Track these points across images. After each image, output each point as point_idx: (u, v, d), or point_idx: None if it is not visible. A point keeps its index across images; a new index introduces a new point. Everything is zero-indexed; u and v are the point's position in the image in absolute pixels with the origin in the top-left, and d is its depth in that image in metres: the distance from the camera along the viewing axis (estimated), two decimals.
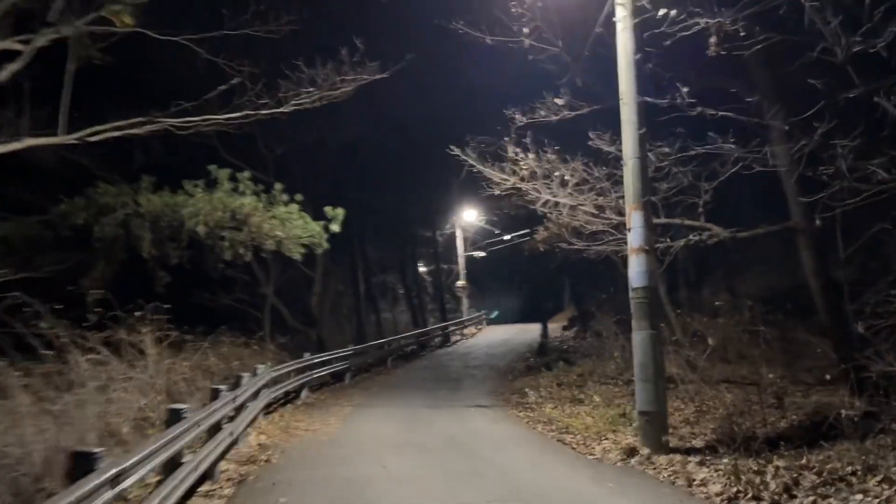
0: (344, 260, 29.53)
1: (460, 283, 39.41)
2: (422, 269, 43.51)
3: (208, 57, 11.75)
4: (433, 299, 43.36)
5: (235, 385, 9.71)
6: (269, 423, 11.59)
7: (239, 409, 9.25)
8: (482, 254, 42.43)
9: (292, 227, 11.54)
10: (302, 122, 20.15)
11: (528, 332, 34.83)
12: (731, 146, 9.91)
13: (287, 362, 14.99)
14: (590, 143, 10.81)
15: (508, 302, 53.19)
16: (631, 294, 9.21)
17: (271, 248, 12.12)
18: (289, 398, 15.13)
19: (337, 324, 29.97)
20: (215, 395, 7.62)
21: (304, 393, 15.47)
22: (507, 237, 42.25)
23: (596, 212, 11.67)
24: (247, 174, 11.91)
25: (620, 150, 10.51)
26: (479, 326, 39.76)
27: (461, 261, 39.98)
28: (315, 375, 16.12)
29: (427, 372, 21.15)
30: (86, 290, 12.65)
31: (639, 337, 9.04)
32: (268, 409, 13.08)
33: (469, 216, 40.63)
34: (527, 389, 15.36)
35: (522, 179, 11.38)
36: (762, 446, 8.05)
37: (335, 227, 11.68)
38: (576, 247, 12.34)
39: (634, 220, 9.18)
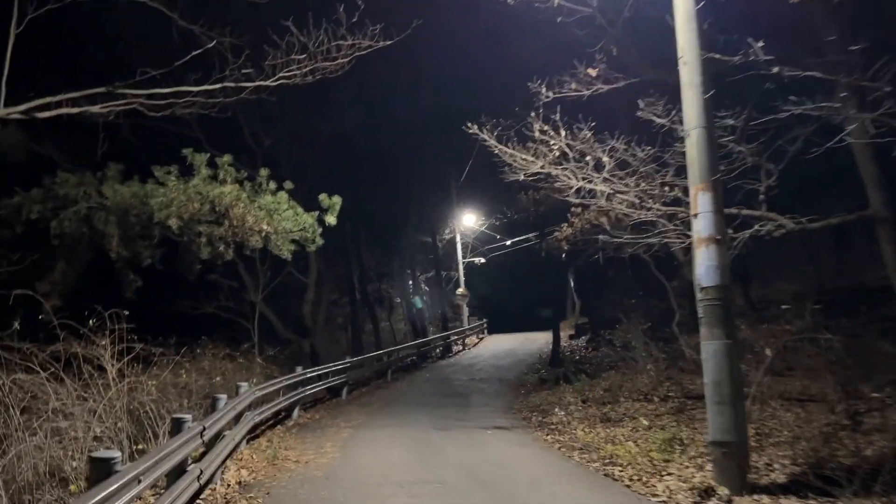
0: (339, 266, 27.77)
1: (460, 290, 37.66)
2: (419, 276, 41.74)
3: (184, 25, 10.04)
4: (432, 307, 41.59)
5: (212, 407, 7.92)
6: (253, 452, 9.77)
7: (215, 438, 7.46)
8: (482, 260, 40.72)
9: (281, 219, 9.78)
10: (292, 108, 18.53)
11: (533, 342, 33.17)
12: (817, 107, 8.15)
13: (277, 378, 13.19)
14: (639, 112, 9.08)
15: (509, 310, 51.32)
16: (699, 295, 7.47)
17: (257, 246, 10.35)
18: (279, 418, 13.32)
19: (331, 334, 28.15)
20: (177, 427, 5.84)
21: (296, 412, 13.66)
22: (508, 242, 40.70)
23: (637, 200, 9.94)
24: (227, 158, 10.13)
25: (675, 122, 8.82)
26: (481, 336, 37.99)
27: (461, 267, 38.22)
28: (309, 392, 14.30)
29: (431, 386, 19.34)
30: (42, 296, 10.85)
31: (711, 348, 7.30)
32: (253, 434, 11.27)
33: (469, 221, 38.97)
34: (552, 407, 13.61)
35: (553, 162, 9.64)
36: (867, 483, 6.37)
37: (331, 219, 9.89)
38: (621, 240, 10.58)
39: (702, 203, 7.46)
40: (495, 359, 26.11)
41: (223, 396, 7.93)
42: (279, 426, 12.82)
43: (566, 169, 9.82)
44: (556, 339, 22.98)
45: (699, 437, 9.85)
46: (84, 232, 11.23)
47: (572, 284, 45.10)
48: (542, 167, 9.64)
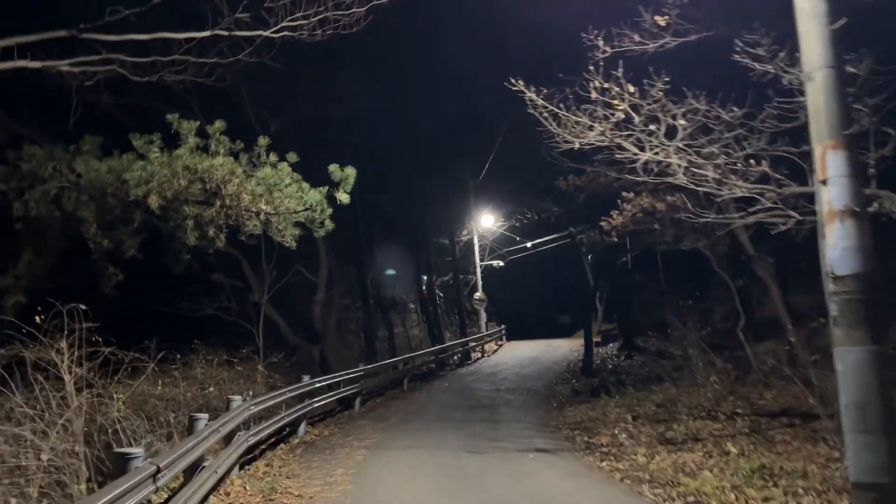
0: (351, 268, 26.06)
1: (478, 294, 35.80)
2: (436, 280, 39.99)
3: None
4: (448, 312, 39.80)
5: (189, 429, 6.16)
6: (247, 481, 7.99)
7: (192, 470, 5.71)
8: (501, 263, 38.88)
9: (282, 196, 8.03)
10: (300, 91, 16.89)
11: (556, 349, 31.31)
12: None
13: (280, 388, 11.42)
14: (736, 56, 7.23)
15: (526, 316, 49.27)
16: (830, 287, 5.61)
17: (255, 231, 8.62)
18: (282, 435, 11.56)
19: (343, 340, 26.41)
20: (122, 466, 4.08)
21: (302, 427, 11.89)
22: (529, 244, 38.83)
23: (717, 176, 8.10)
24: (220, 125, 8.39)
25: (780, 68, 6.99)
26: (500, 342, 36.11)
27: (478, 270, 36.37)
28: (317, 404, 12.54)
29: (452, 397, 17.52)
30: (3, 291, 9.18)
31: (851, 357, 5.43)
32: (250, 455, 9.51)
33: (487, 222, 37.13)
34: (596, 425, 11.79)
35: (614, 128, 7.84)
36: None
37: (343, 197, 8.10)
38: (708, 218, 8.71)
39: (832, 164, 5.62)
40: (519, 367, 24.25)
41: (203, 416, 6.16)
42: (282, 444, 11.06)
43: (631, 136, 7.99)
44: (589, 346, 21.09)
45: (790, 466, 8.03)
46: (56, 216, 9.53)
47: (591, 290, 43.04)
48: (602, 133, 7.82)
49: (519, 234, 38.47)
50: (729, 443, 9.00)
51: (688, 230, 11.47)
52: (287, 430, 11.79)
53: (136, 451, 4.23)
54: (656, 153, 7.86)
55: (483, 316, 36.07)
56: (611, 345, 27.92)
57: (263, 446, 10.57)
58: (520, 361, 26.15)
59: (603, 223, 11.33)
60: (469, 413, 14.39)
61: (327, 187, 8.02)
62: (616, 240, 11.21)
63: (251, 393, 10.40)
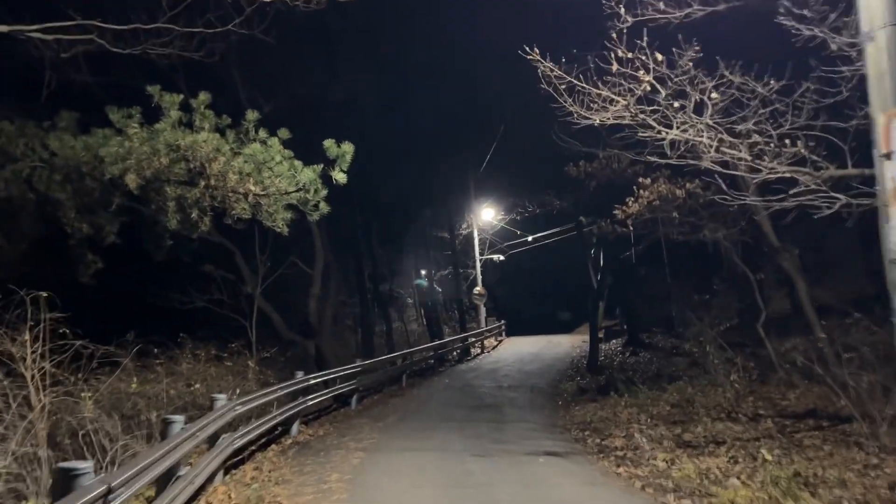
0: (348, 262, 25.34)
1: (477, 289, 35.08)
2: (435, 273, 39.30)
3: None
4: (447, 307, 39.09)
5: (163, 434, 5.45)
6: (232, 488, 7.27)
7: (165, 479, 5.00)
8: (501, 257, 38.17)
9: (273, 175, 7.27)
10: (295, 73, 16.13)
11: (557, 345, 30.64)
12: None
13: (272, 385, 10.71)
14: (780, 17, 6.50)
15: (525, 311, 48.50)
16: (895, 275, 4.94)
17: (243, 215, 7.88)
18: (274, 435, 10.86)
19: (340, 335, 25.71)
20: (65, 486, 3.36)
21: (295, 427, 11.18)
22: (530, 238, 38.12)
23: (749, 157, 7.38)
24: (204, 97, 7.63)
25: (829, 32, 6.28)
26: (499, 338, 35.41)
27: (478, 265, 35.64)
28: (311, 402, 11.83)
29: (453, 394, 16.82)
30: None
31: None
32: (238, 457, 8.80)
33: (487, 215, 36.38)
34: (607, 425, 11.10)
35: (643, 98, 7.11)
36: None
37: (339, 176, 7.33)
38: (745, 201, 7.99)
39: None
40: (520, 363, 23.56)
41: (178, 419, 5.44)
42: (273, 445, 10.34)
43: (656, 112, 7.27)
44: (594, 343, 20.39)
45: (826, 474, 7.34)
46: (29, 197, 8.78)
47: (596, 284, 42.34)
48: (626, 107, 7.08)
49: (519, 228, 37.78)
50: (759, 448, 8.28)
51: (706, 219, 10.77)
52: (279, 429, 11.09)
53: (83, 466, 3.49)
54: (684, 130, 7.13)
55: (482, 311, 35.37)
56: (614, 341, 27.25)
57: (253, 447, 9.87)
58: (521, 358, 25.46)
59: (616, 211, 10.62)
60: (472, 412, 13.70)
61: (322, 165, 7.27)
62: (631, 229, 10.47)
63: (238, 391, 9.70)
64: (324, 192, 7.48)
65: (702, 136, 7.12)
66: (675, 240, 11.40)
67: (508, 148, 29.38)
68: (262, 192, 7.37)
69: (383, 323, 31.10)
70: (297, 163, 7.37)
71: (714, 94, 6.97)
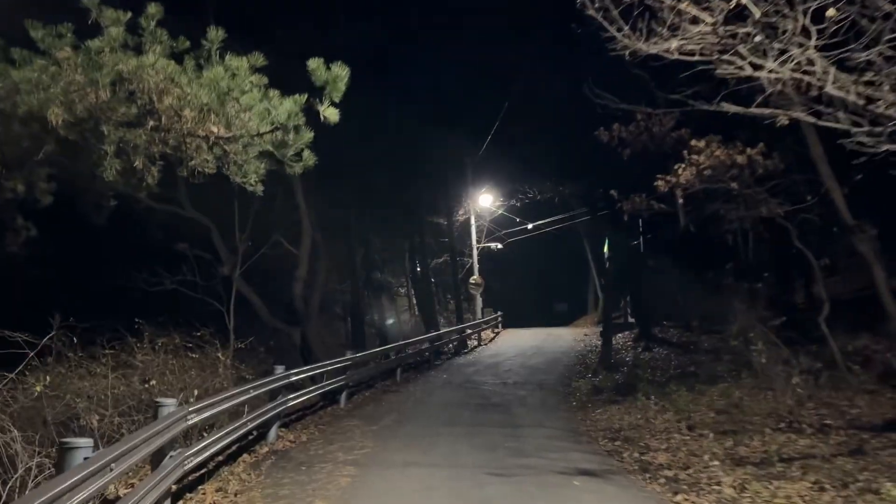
0: (339, 247, 23.53)
1: (474, 278, 33.33)
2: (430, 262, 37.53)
3: None
4: (441, 298, 37.38)
5: (58, 464, 3.66)
6: None
7: None
8: (499, 246, 36.46)
9: (240, 109, 5.46)
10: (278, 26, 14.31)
11: (558, 338, 29.03)
12: None
13: (245, 384, 8.93)
14: None
15: (520, 303, 46.74)
16: None
17: (206, 168, 6.05)
18: (247, 441, 9.10)
19: (328, 324, 23.96)
20: None
21: (273, 431, 9.41)
22: (530, 226, 36.40)
23: (862, 101, 5.66)
24: (155, 9, 5.77)
25: None
26: (496, 330, 33.74)
27: (475, 253, 33.88)
28: (292, 403, 10.07)
29: (454, 392, 15.10)
30: None
31: None
32: (197, 473, 7.04)
33: (485, 201, 34.58)
34: (640, 433, 9.42)
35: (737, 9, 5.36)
36: None
37: (330, 112, 5.41)
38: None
39: None
40: (522, 357, 21.87)
41: (82, 444, 3.66)
42: (245, 455, 8.58)
43: (747, 37, 5.51)
44: (608, 337, 18.70)
45: None
46: None
47: (595, 276, 40.76)
48: (713, 27, 5.32)
49: (519, 215, 36.06)
50: (842, 467, 6.59)
51: (766, 194, 9.09)
52: (254, 434, 9.33)
53: None
54: (792, 61, 5.38)
55: (479, 302, 33.67)
56: (620, 335, 25.55)
57: (220, 457, 8.10)
58: (522, 351, 23.79)
59: (659, 182, 8.88)
60: (479, 414, 11.98)
61: (306, 95, 5.46)
62: (681, 200, 8.69)
63: (196, 393, 7.91)
64: (308, 136, 5.67)
65: (812, 69, 5.37)
66: (731, 218, 9.70)
67: (511, 129, 27.58)
68: (228, 135, 5.57)
69: (375, 312, 29.37)
70: (273, 92, 5.55)
71: (832, 10, 5.21)
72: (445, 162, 29.72)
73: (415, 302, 36.69)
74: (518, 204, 34.63)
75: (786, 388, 9.06)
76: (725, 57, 5.96)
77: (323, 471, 7.61)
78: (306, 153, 5.86)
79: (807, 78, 5.61)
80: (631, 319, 27.95)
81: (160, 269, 14.35)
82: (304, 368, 10.94)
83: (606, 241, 34.29)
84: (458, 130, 28.27)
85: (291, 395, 9.90)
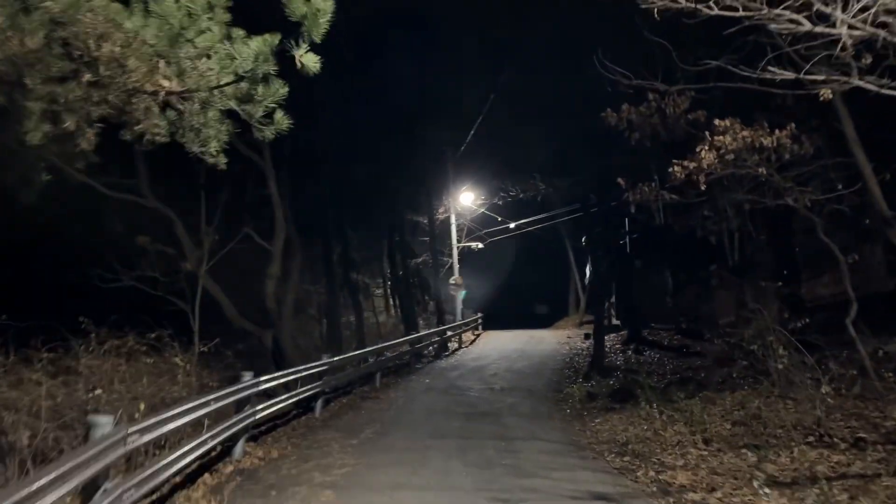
0: (314, 243, 22.37)
1: (455, 278, 32.35)
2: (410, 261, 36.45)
3: None
4: (420, 298, 36.31)
5: None
6: None
7: None
8: (480, 245, 35.49)
9: (197, 53, 4.40)
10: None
11: (541, 341, 28.10)
12: None
13: (210, 392, 7.81)
14: None
15: (498, 305, 45.75)
16: None
17: (156, 135, 4.95)
18: (208, 460, 7.96)
19: (302, 326, 22.77)
20: None
21: (239, 447, 8.29)
22: (512, 225, 35.48)
23: None
24: None
25: None
26: (476, 332, 32.74)
27: (455, 252, 32.88)
28: (262, 414, 8.96)
29: (439, 398, 14.06)
30: None
31: None
32: (151, 497, 5.91)
33: (466, 199, 33.60)
34: (650, 447, 8.46)
35: None
36: None
37: (309, 60, 4.38)
38: None
39: None
40: (507, 361, 20.89)
41: None
42: (207, 475, 7.45)
43: None
44: (600, 341, 17.80)
45: None
46: None
47: (577, 277, 40.00)
48: None
49: (500, 214, 35.11)
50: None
51: (792, 182, 8.22)
52: (219, 449, 8.20)
53: None
54: (865, 11, 4.45)
55: (459, 303, 32.63)
56: (605, 337, 24.69)
57: (178, 478, 6.97)
58: (505, 354, 22.81)
59: (675, 168, 7.95)
60: (468, 423, 10.96)
61: (278, 36, 4.36)
62: (703, 187, 7.73)
63: (142, 408, 6.78)
64: (282, 91, 4.59)
65: (890, 21, 4.44)
66: (749, 209, 8.76)
67: (498, 120, 26.60)
68: (181, 89, 4.49)
69: (351, 313, 28.22)
70: (237, 32, 4.47)
71: None
72: (427, 157, 28.72)
73: (393, 303, 35.65)
74: (500, 202, 33.72)
75: (814, 397, 8.16)
76: (778, 11, 5.02)
77: (297, 496, 6.53)
78: (279, 115, 4.78)
79: (882, 33, 4.67)
80: (616, 321, 27.14)
81: (117, 264, 13.09)
82: (276, 375, 9.82)
83: (590, 239, 33.62)
84: (441, 123, 27.30)
85: (261, 406, 8.79)
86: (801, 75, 5.46)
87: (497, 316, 39.75)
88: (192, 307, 13.29)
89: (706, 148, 7.43)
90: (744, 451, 7.98)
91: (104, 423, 4.49)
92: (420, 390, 15.29)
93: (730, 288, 18.46)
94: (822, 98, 5.73)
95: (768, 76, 5.52)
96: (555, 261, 44.50)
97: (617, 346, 21.11)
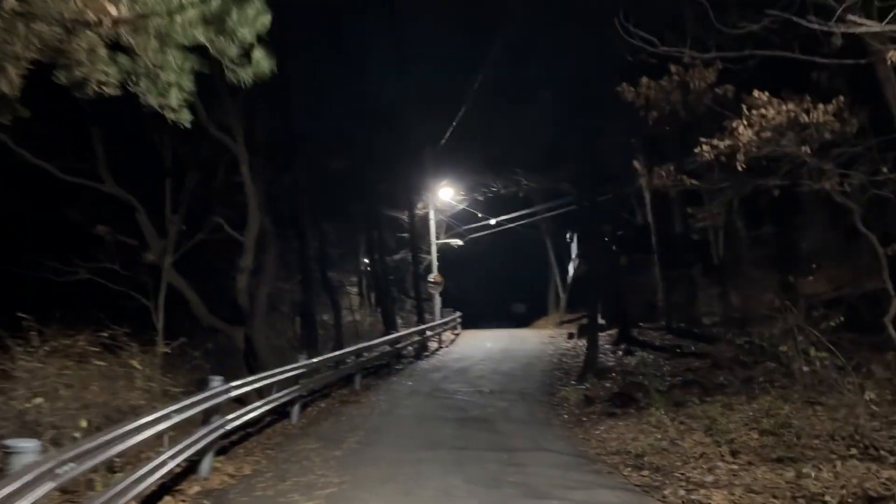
0: (289, 238, 21.19)
1: (433, 276, 31.29)
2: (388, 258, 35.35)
3: None
4: (397, 296, 35.22)
5: None
6: None
7: None
8: (460, 242, 34.50)
9: None
10: None
11: (524, 340, 27.27)
12: None
13: (171, 402, 6.72)
14: None
15: (475, 304, 44.71)
16: None
17: (102, 83, 3.93)
18: (170, 478, 6.85)
19: (274, 325, 21.56)
20: None
21: (206, 464, 7.20)
22: (493, 222, 34.59)
23: None
24: None
25: None
26: (455, 331, 31.78)
27: (433, 249, 31.84)
28: (232, 425, 7.88)
29: (424, 402, 13.07)
30: None
31: None
32: None
33: (446, 195, 32.56)
34: (668, 459, 7.58)
35: None
36: None
37: None
38: None
39: None
40: (492, 362, 19.96)
41: None
42: (168, 498, 6.37)
43: None
44: (594, 341, 16.91)
45: None
46: None
47: (557, 275, 39.22)
48: None
49: (480, 212, 34.17)
50: None
51: (831, 163, 7.38)
52: (184, 465, 7.10)
53: None
54: None
55: (438, 301, 31.59)
56: (588, 337, 23.87)
57: None
58: (489, 355, 21.87)
59: (704, 147, 7.03)
60: (462, 431, 9.98)
61: None
62: (741, 167, 6.80)
63: (79, 429, 5.68)
64: (262, 19, 3.55)
65: None
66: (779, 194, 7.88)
67: (480, 115, 25.63)
68: (131, 16, 3.45)
69: (327, 311, 27.05)
70: None
71: None
72: (406, 149, 27.66)
73: (369, 301, 34.56)
74: (481, 198, 32.78)
75: (853, 403, 7.33)
76: None
77: None
78: (258, 53, 3.75)
79: None
80: (602, 321, 26.34)
81: (74, 256, 11.86)
82: (250, 379, 8.74)
83: (575, 236, 32.89)
84: (423, 113, 26.33)
85: (232, 416, 7.71)
86: (885, 24, 4.57)
87: (475, 314, 38.81)
88: (155, 303, 12.11)
89: (744, 123, 6.55)
90: (779, 464, 7.13)
91: (28, 449, 3.42)
92: (403, 393, 14.27)
93: (717, 285, 17.79)
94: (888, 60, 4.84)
95: (846, 28, 4.61)
96: (534, 259, 43.72)
97: (606, 346, 20.26)
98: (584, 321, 31.80)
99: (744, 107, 6.57)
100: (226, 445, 8.60)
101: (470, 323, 35.46)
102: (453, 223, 34.70)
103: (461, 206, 33.66)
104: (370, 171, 26.46)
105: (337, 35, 25.35)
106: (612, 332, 21.85)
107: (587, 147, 13.80)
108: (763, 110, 6.44)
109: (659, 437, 8.88)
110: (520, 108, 23.84)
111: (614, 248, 25.28)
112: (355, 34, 26.71)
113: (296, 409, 10.98)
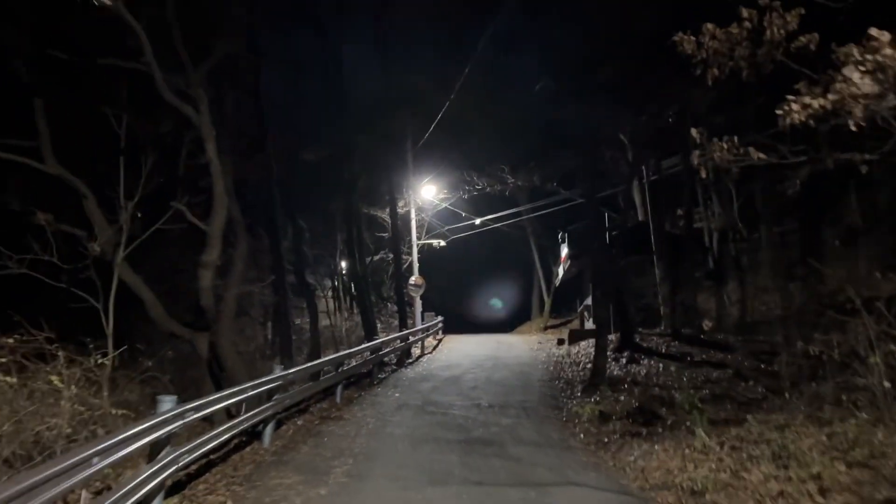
0: (258, 235, 19.41)
1: (414, 278, 29.59)
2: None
3: None
4: (376, 300, 33.48)
5: None
6: None
7: None
8: (442, 243, 32.84)
9: None
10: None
11: (511, 346, 25.74)
12: None
13: (96, 441, 4.99)
14: None
15: (454, 308, 42.99)
16: None
17: None
18: None
19: (242, 330, 19.73)
20: None
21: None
22: (477, 221, 33.02)
23: None
24: None
25: None
26: (438, 336, 30.12)
27: (415, 250, 30.16)
28: (187, 459, 6.15)
29: (416, 418, 11.40)
30: None
31: None
32: None
33: (428, 193, 30.93)
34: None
35: None
36: None
37: None
38: None
39: None
40: (482, 370, 18.34)
41: None
42: None
43: None
44: (602, 349, 15.36)
45: None
46: None
47: (541, 278, 37.70)
48: None
49: (463, 211, 32.58)
50: None
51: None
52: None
53: None
54: None
55: (419, 305, 29.92)
56: (584, 343, 22.47)
57: None
58: (478, 362, 20.24)
59: (793, 106, 5.51)
60: (469, 458, 8.34)
61: None
62: (855, 127, 5.27)
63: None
64: None
65: None
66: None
67: (465, 110, 24.07)
68: None
69: (301, 315, 25.26)
70: None
71: None
72: (388, 143, 26.02)
73: (347, 304, 32.85)
74: (465, 196, 31.19)
75: None
76: None
77: None
78: None
79: None
80: (592, 325, 24.89)
81: (3, 247, 9.99)
82: (213, 398, 7.00)
83: (566, 236, 31.45)
84: (408, 105, 24.76)
85: (186, 448, 5.97)
86: None
87: (455, 319, 37.13)
88: (104, 304, 10.29)
89: (859, 69, 5.06)
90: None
91: None
92: (391, 407, 12.57)
93: (724, 287, 16.40)
94: None
95: None
96: (516, 262, 42.33)
97: (608, 353, 18.76)
98: (572, 326, 30.50)
99: (854, 49, 5.08)
100: (181, 480, 6.88)
101: (451, 328, 33.82)
102: (436, 223, 33.10)
103: (443, 206, 32.06)
104: (349, 165, 24.82)
105: (315, 19, 23.75)
106: (612, 337, 20.37)
107: (587, 139, 12.29)
108: (879, 54, 4.94)
109: (713, 466, 7.33)
110: (509, 101, 22.41)
111: (611, 248, 23.87)
112: (335, 22, 25.16)
113: (269, 429, 9.26)
